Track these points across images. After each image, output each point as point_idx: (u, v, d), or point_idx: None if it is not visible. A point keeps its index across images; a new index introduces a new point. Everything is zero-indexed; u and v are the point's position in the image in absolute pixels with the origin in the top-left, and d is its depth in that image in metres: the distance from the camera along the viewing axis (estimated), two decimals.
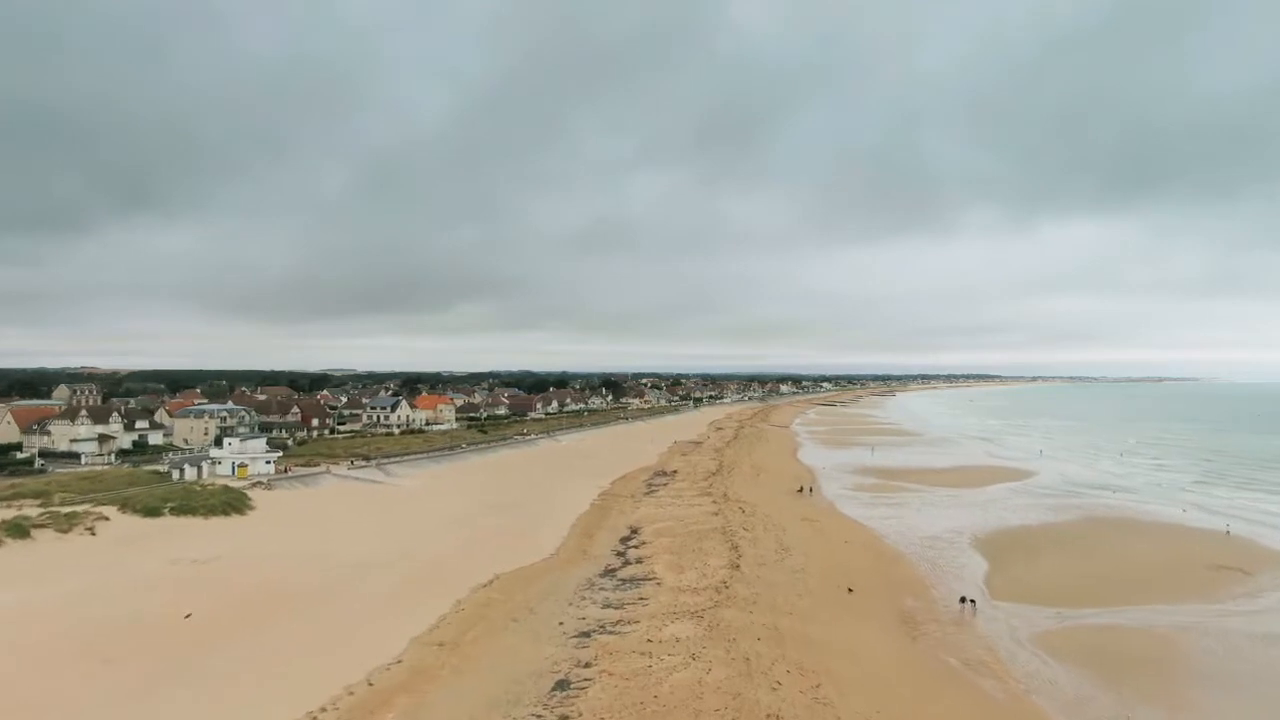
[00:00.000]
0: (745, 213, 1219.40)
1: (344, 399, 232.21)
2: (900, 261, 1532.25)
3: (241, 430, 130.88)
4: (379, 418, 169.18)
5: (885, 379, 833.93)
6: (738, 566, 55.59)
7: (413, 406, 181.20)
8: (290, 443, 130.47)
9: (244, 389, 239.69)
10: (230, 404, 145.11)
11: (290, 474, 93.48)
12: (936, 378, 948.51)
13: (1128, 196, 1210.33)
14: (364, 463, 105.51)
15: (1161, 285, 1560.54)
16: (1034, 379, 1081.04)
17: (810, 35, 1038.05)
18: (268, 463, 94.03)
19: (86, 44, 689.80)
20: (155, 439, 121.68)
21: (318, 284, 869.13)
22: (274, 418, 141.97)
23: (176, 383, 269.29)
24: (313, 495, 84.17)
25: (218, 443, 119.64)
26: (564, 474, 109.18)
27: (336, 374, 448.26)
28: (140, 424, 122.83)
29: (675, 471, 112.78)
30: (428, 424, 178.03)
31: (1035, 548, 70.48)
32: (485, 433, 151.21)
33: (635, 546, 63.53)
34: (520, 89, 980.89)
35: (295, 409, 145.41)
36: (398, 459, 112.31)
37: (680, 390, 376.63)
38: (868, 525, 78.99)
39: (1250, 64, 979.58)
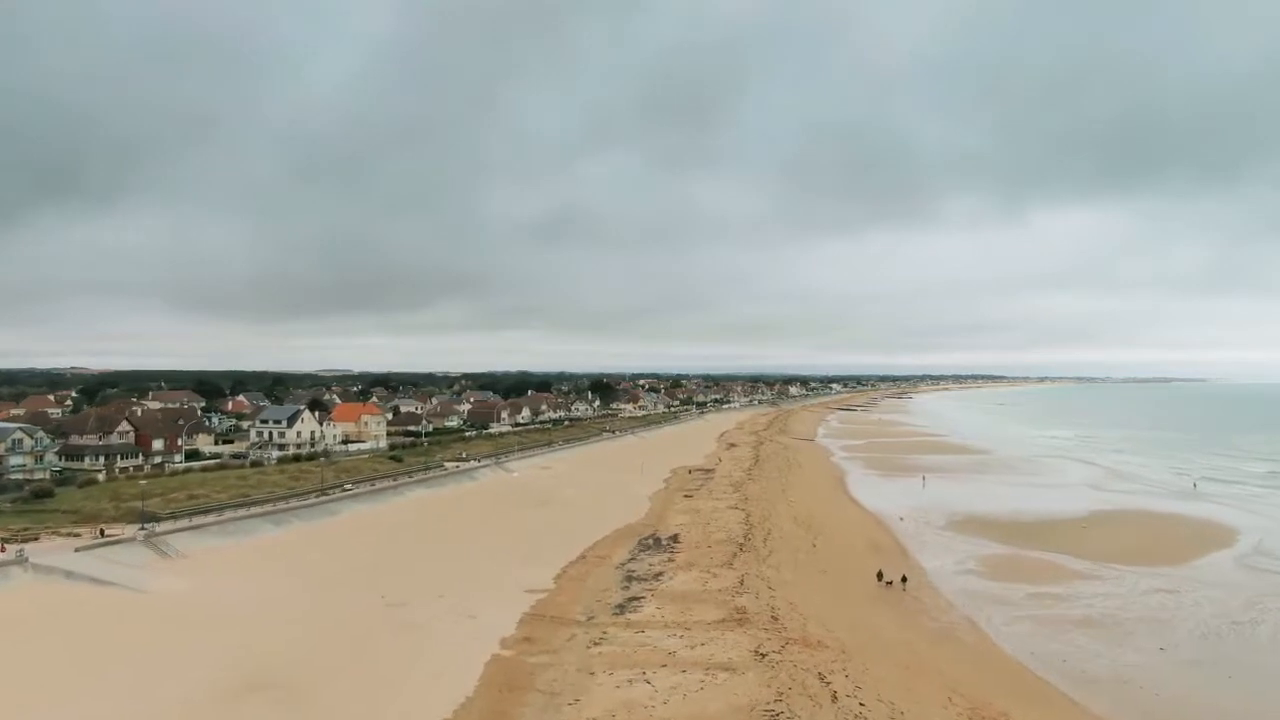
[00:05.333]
0: (730, 205, 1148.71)
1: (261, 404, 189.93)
2: (900, 260, 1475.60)
3: (15, 461, 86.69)
4: (271, 435, 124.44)
5: (893, 379, 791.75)
6: None
7: (326, 420, 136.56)
8: (100, 478, 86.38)
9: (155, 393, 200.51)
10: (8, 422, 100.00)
11: None
12: (944, 378, 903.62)
13: (1124, 182, 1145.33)
14: (137, 530, 60.77)
15: (1162, 281, 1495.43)
16: (1041, 379, 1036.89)
17: None
18: None
19: None
20: None
21: (310, 282, 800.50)
22: (88, 439, 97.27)
23: (134, 382, 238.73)
24: None
25: None
26: (482, 551, 64.40)
27: (327, 375, 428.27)
28: None
29: (675, 538, 68.09)
30: (346, 441, 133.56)
31: None
32: (400, 460, 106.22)
33: None
34: (447, 56, 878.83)
35: (126, 426, 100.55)
36: (214, 517, 67.76)
37: (681, 393, 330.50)
38: None
39: (1256, 33, 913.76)
